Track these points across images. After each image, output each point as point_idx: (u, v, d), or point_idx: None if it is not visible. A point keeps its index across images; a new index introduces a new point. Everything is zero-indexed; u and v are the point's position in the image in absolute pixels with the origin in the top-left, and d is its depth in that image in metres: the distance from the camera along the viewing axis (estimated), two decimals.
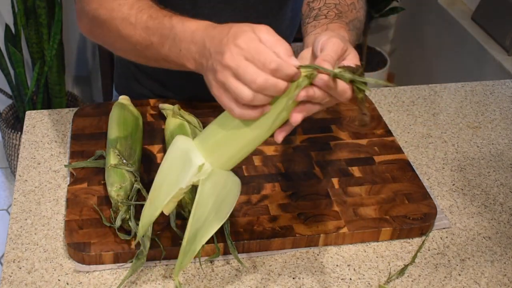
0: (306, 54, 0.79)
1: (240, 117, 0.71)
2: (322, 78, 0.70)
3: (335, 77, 0.70)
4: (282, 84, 0.69)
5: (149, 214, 0.78)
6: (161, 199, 0.77)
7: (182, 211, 0.88)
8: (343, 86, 0.71)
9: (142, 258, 0.83)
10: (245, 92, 0.69)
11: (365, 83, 0.72)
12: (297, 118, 0.71)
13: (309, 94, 0.71)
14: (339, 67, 0.71)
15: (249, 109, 0.70)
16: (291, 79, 0.69)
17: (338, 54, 0.72)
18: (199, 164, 0.75)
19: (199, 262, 0.86)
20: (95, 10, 0.90)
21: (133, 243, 0.85)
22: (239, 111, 0.71)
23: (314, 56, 0.76)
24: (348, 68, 0.71)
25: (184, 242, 0.76)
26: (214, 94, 0.74)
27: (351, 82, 0.72)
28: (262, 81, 0.68)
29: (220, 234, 0.87)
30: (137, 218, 0.87)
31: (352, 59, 0.75)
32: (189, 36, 0.78)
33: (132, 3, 0.87)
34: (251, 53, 0.69)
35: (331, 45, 0.73)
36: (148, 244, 0.83)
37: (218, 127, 0.75)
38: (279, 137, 0.74)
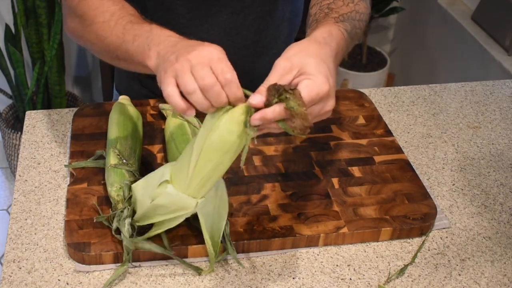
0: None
1: (168, 95, 0.75)
2: (255, 118, 0.73)
3: (266, 106, 0.73)
4: (223, 98, 0.73)
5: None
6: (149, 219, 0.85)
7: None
8: (279, 109, 0.73)
9: (125, 264, 0.84)
10: (191, 83, 0.73)
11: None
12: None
13: (261, 129, 0.75)
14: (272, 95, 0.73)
15: (179, 96, 0.74)
16: (234, 99, 0.74)
17: (279, 79, 0.75)
18: (194, 205, 0.80)
19: (210, 262, 0.86)
20: (80, 16, 0.94)
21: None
22: (172, 89, 0.74)
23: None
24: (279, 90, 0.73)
25: (208, 245, 0.83)
26: (159, 77, 0.77)
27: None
28: (210, 82, 0.72)
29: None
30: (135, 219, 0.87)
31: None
32: (164, 37, 0.82)
33: (114, 10, 0.91)
34: (216, 58, 0.74)
35: (273, 71, 0.76)
36: (131, 249, 0.84)
37: (184, 162, 0.80)
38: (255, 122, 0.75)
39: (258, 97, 0.73)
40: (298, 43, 0.81)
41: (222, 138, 0.75)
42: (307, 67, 0.76)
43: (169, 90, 0.74)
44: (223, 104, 0.74)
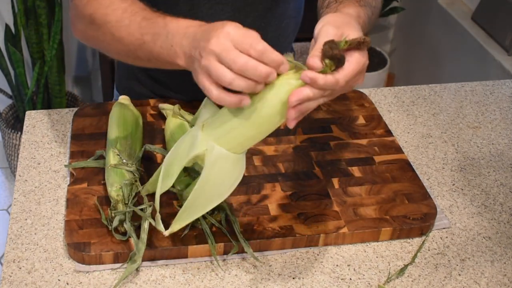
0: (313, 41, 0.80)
1: (217, 100, 0.73)
2: (307, 75, 0.71)
3: (323, 72, 0.72)
4: (262, 67, 0.70)
5: (163, 187, 0.83)
6: (174, 170, 0.81)
7: (178, 207, 0.88)
8: (328, 78, 0.72)
9: (137, 260, 0.83)
10: (226, 74, 0.71)
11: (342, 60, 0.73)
12: (291, 114, 0.73)
13: (301, 97, 0.72)
14: (327, 57, 0.72)
15: (227, 94, 0.72)
16: (276, 65, 0.71)
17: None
18: (203, 138, 0.78)
19: (215, 260, 0.87)
20: (90, 15, 0.92)
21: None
22: (216, 93, 0.73)
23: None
24: (327, 53, 0.72)
25: (183, 208, 0.80)
26: (197, 81, 0.75)
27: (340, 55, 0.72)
28: (242, 62, 0.70)
29: (222, 234, 0.88)
30: (134, 220, 0.87)
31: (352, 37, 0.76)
32: (182, 31, 0.79)
33: (125, 7, 0.88)
34: (238, 37, 0.71)
35: (323, 38, 0.74)
36: (143, 248, 0.83)
37: (225, 113, 0.78)
38: (291, 124, 0.75)
39: (316, 61, 0.71)
40: (336, 15, 0.80)
41: (279, 99, 0.74)
42: (349, 36, 0.75)
43: (215, 93, 0.73)
44: (267, 75, 0.71)
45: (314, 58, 0.72)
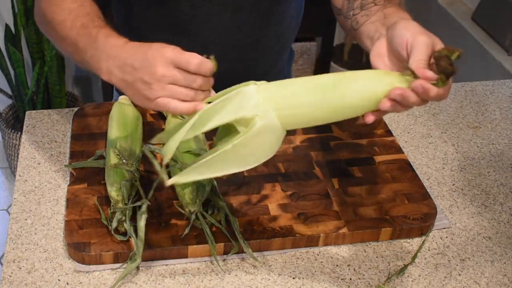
0: (381, 46, 0.83)
1: (175, 110, 0.77)
2: (422, 85, 0.73)
3: (435, 85, 0.73)
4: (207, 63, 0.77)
5: (189, 134, 0.78)
6: (209, 123, 0.77)
7: (183, 211, 0.88)
8: (439, 91, 0.74)
9: (137, 259, 0.83)
10: (181, 92, 0.77)
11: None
12: (385, 104, 0.74)
13: (405, 95, 0.74)
14: (442, 71, 0.73)
15: (186, 104, 0.77)
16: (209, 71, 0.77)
17: (429, 55, 0.75)
18: (260, 102, 0.76)
19: (215, 260, 0.87)
20: (43, 9, 0.95)
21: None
22: (174, 104, 0.77)
23: (394, 51, 0.80)
24: (445, 70, 0.73)
25: (200, 162, 0.77)
26: (145, 102, 0.80)
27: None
28: (197, 62, 0.76)
29: (222, 234, 0.88)
30: (134, 220, 0.87)
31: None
32: (108, 50, 0.83)
33: (72, 9, 0.91)
34: (172, 58, 0.76)
35: (421, 47, 0.76)
36: (141, 247, 0.83)
37: (297, 87, 0.77)
38: (370, 119, 0.77)
39: (431, 74, 0.73)
40: (410, 22, 0.82)
41: (374, 92, 0.75)
42: (438, 44, 0.77)
43: (174, 108, 0.77)
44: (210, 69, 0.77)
45: (428, 71, 0.74)
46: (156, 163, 0.83)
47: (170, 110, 0.78)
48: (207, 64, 0.77)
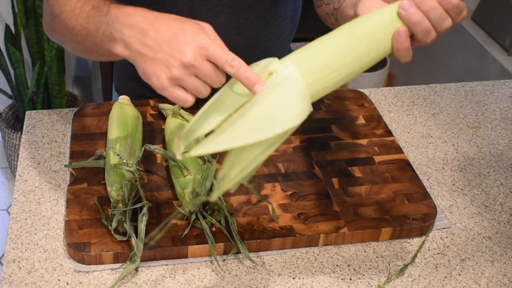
0: (369, 3, 0.80)
1: (186, 105, 0.74)
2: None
3: None
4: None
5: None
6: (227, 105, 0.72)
7: (182, 211, 0.88)
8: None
9: (136, 260, 0.83)
10: (201, 89, 0.73)
11: None
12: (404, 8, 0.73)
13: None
14: None
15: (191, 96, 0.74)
16: (251, 83, 0.71)
17: None
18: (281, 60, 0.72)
19: (215, 260, 0.86)
20: (51, 6, 0.92)
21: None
22: (192, 100, 0.74)
23: None
24: None
25: (218, 130, 0.69)
26: (159, 87, 0.74)
27: None
28: (217, 80, 0.72)
29: (222, 234, 0.88)
30: (134, 220, 0.87)
31: None
32: (123, 19, 0.77)
33: None
34: (208, 46, 0.72)
35: None
36: (141, 247, 0.83)
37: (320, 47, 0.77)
38: (402, 34, 0.78)
39: None
40: None
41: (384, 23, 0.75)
42: None
43: (189, 102, 0.74)
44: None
45: None
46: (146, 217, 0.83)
47: (182, 105, 0.74)
48: (247, 73, 0.70)
